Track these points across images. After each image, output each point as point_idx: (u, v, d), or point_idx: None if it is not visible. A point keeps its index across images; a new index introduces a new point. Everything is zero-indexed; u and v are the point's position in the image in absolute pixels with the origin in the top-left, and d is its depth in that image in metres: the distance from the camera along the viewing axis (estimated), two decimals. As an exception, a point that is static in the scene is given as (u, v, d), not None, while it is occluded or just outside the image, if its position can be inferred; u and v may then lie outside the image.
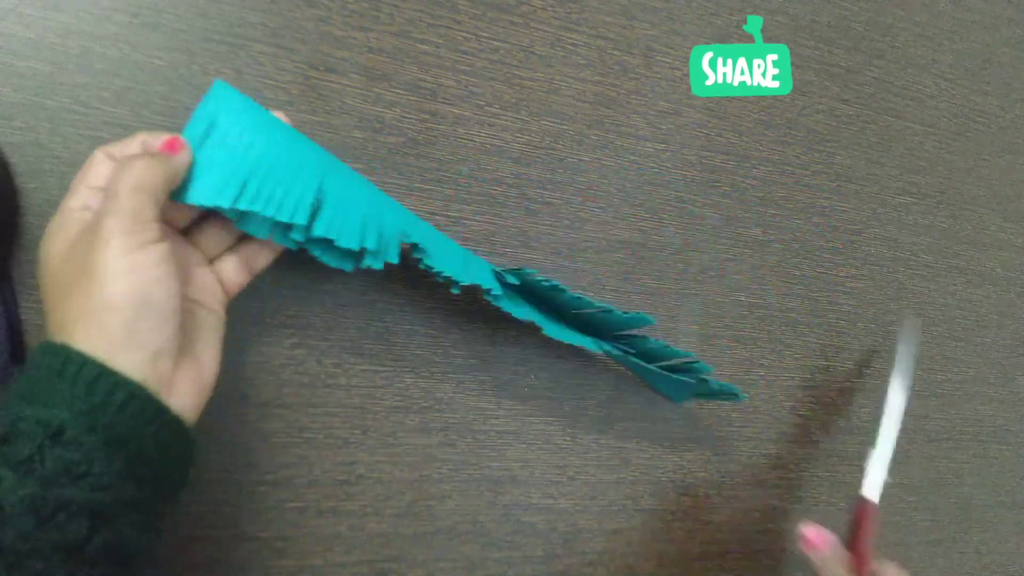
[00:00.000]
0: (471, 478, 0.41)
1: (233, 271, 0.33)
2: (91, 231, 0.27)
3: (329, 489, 0.38)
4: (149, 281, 0.26)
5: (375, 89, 0.39)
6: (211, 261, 0.33)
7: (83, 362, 0.25)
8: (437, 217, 0.40)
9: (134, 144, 0.31)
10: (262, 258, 0.34)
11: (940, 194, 0.55)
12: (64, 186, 0.34)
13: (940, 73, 0.55)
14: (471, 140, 0.41)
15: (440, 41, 0.40)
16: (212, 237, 0.33)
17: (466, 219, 0.41)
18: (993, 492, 0.57)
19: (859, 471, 0.52)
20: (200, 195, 0.30)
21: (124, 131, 0.35)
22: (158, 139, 0.29)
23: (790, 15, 0.49)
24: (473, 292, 0.40)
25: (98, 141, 0.34)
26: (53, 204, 0.33)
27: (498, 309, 0.37)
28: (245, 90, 0.32)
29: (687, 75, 0.46)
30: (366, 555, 0.39)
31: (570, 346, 0.39)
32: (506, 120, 0.42)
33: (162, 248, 0.27)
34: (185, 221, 0.32)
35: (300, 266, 0.37)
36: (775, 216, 0.49)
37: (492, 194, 0.41)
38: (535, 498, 0.43)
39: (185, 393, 0.28)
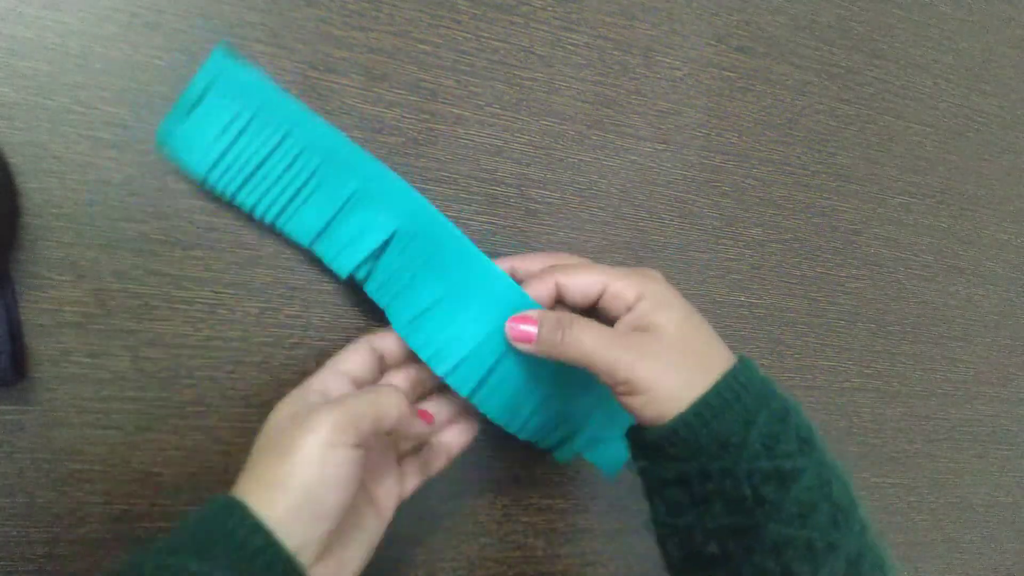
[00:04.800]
0: (471, 478, 0.41)
1: (412, 472, 0.35)
2: (310, 412, 0.28)
3: (329, 489, 0.38)
4: (331, 478, 0.28)
5: (375, 89, 0.39)
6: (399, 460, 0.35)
7: (253, 528, 0.26)
8: (437, 217, 0.40)
9: (399, 347, 0.35)
10: (440, 460, 0.36)
11: (940, 194, 0.55)
12: (65, 186, 0.34)
13: (940, 73, 0.55)
14: (471, 140, 0.41)
15: (440, 41, 0.40)
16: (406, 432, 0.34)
17: (466, 219, 0.41)
18: (993, 492, 0.57)
19: (859, 471, 0.52)
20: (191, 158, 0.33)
21: (124, 131, 0.35)
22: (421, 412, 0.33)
23: (790, 15, 0.49)
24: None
25: (98, 141, 0.34)
26: (53, 204, 0.34)
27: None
28: (245, 90, 0.33)
29: (687, 75, 0.46)
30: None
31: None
32: (506, 120, 0.42)
33: (356, 454, 0.28)
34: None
35: (300, 266, 0.37)
36: (775, 216, 0.49)
37: (492, 194, 0.41)
38: (535, 498, 0.43)
39: (324, 570, 0.29)
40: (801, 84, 0.50)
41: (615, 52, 0.44)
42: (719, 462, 0.28)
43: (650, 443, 0.30)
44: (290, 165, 0.34)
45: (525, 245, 0.42)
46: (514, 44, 0.42)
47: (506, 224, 0.42)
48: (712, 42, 0.47)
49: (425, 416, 0.34)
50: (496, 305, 0.33)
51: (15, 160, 0.33)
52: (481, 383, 0.34)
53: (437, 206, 0.40)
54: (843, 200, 0.51)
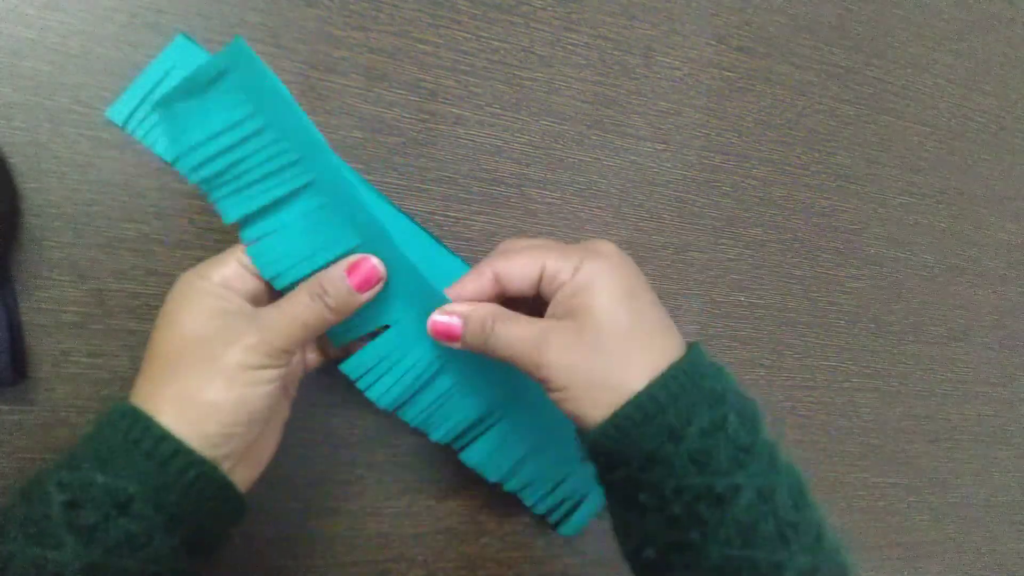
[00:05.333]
0: (471, 477, 0.41)
1: (313, 352, 0.33)
2: (234, 330, 0.27)
3: (329, 489, 0.38)
4: (262, 395, 0.27)
5: (375, 89, 0.39)
6: None
7: (160, 436, 0.25)
8: (436, 217, 0.40)
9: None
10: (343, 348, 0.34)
11: (940, 194, 0.55)
12: (65, 186, 0.34)
13: (940, 73, 0.55)
14: (471, 140, 0.41)
15: (440, 41, 0.40)
16: None
17: (466, 219, 0.41)
18: (993, 492, 0.57)
19: (859, 471, 0.52)
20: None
21: (124, 131, 0.35)
22: (353, 266, 0.29)
23: (790, 15, 0.49)
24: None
25: (98, 141, 0.34)
26: (53, 204, 0.34)
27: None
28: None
29: (687, 75, 0.46)
30: (366, 555, 0.39)
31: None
32: (506, 120, 0.42)
33: (284, 370, 0.27)
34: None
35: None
36: (775, 216, 0.49)
37: (492, 194, 0.41)
38: (535, 498, 0.43)
39: (244, 468, 0.28)
40: (801, 84, 0.50)
41: (615, 52, 0.44)
42: (647, 475, 0.26)
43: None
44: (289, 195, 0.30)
45: (525, 245, 0.42)
46: (514, 44, 0.42)
47: (506, 224, 0.42)
48: (712, 42, 0.47)
49: (368, 279, 0.29)
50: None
51: (15, 160, 0.33)
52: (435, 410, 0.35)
53: (437, 206, 0.40)
54: (843, 200, 0.51)
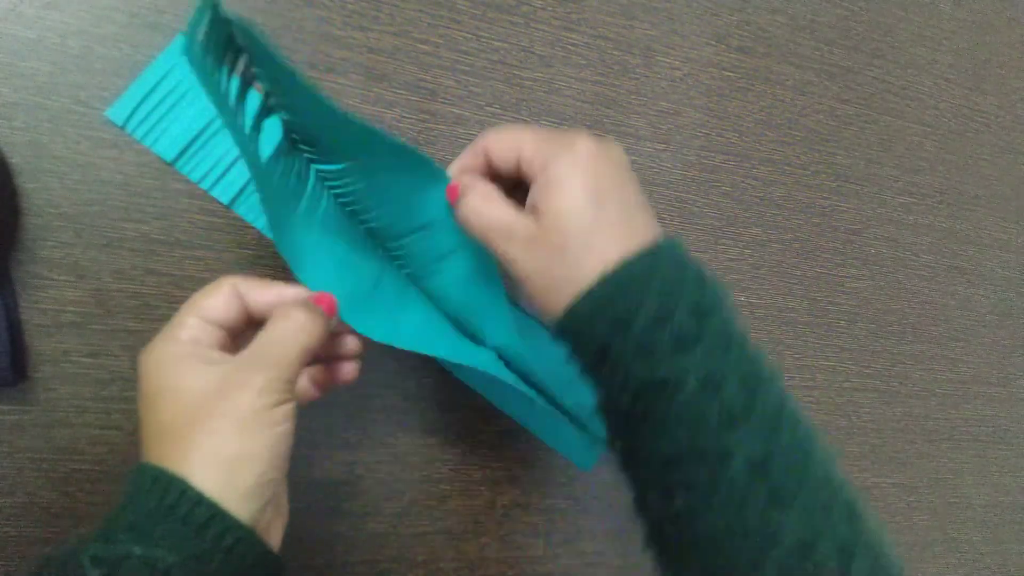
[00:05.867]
0: (471, 478, 0.41)
1: (307, 386, 0.32)
2: (233, 379, 0.26)
3: (329, 489, 0.38)
4: (286, 433, 0.26)
5: (375, 89, 0.39)
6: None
7: (197, 501, 0.24)
8: (437, 217, 0.40)
9: (269, 292, 0.29)
10: (341, 374, 0.33)
11: (940, 194, 0.55)
12: (65, 186, 0.34)
13: (940, 73, 0.55)
14: (471, 140, 0.41)
15: (440, 41, 0.40)
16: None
17: (466, 219, 0.41)
18: (993, 492, 0.57)
19: (859, 471, 0.52)
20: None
21: (124, 131, 0.35)
22: (308, 297, 0.29)
23: (790, 15, 0.49)
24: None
25: (98, 141, 0.34)
26: (53, 204, 0.34)
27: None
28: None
29: (687, 75, 0.46)
30: (366, 555, 0.39)
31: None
32: (506, 120, 0.42)
33: (292, 407, 0.27)
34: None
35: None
36: (775, 216, 0.49)
37: (492, 194, 0.41)
38: (535, 498, 0.43)
39: (277, 528, 0.28)
40: (801, 84, 0.50)
41: (615, 52, 0.44)
42: (601, 368, 0.26)
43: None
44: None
45: (525, 245, 0.42)
46: (514, 44, 0.42)
47: (506, 224, 0.42)
48: (712, 42, 0.47)
49: (328, 306, 0.29)
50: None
51: (15, 160, 0.33)
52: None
53: (437, 206, 0.40)
54: (843, 200, 0.51)
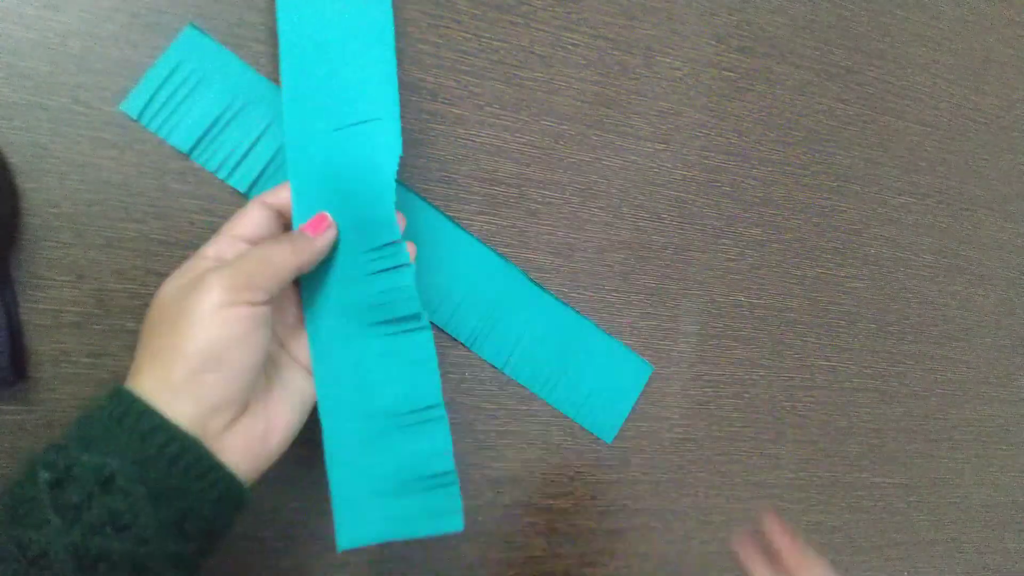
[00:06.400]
0: (471, 478, 0.41)
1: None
2: (206, 279, 0.27)
3: (328, 488, 0.38)
4: (231, 339, 0.26)
5: (375, 89, 0.39)
6: None
7: (142, 411, 0.25)
8: (437, 217, 0.40)
9: (285, 191, 0.32)
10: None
11: (940, 194, 0.55)
12: (65, 186, 0.34)
13: (940, 73, 0.55)
14: (471, 140, 0.41)
15: (440, 41, 0.40)
16: None
17: (466, 219, 0.41)
18: (993, 492, 0.57)
19: (859, 471, 0.52)
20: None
21: (123, 131, 0.35)
22: (302, 226, 0.31)
23: (790, 15, 0.49)
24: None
25: (98, 141, 0.34)
26: (53, 204, 0.34)
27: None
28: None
29: (687, 75, 0.46)
30: (367, 555, 0.39)
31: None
32: (506, 120, 0.42)
33: (259, 312, 0.27)
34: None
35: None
36: (775, 216, 0.49)
37: (492, 194, 0.41)
38: (535, 498, 0.43)
39: (242, 450, 0.28)
40: (801, 84, 0.50)
41: (615, 52, 0.44)
42: None
43: None
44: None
45: (525, 245, 0.42)
46: (514, 44, 0.42)
47: (506, 224, 0.42)
48: (712, 42, 0.47)
49: (318, 226, 0.31)
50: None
51: (15, 160, 0.33)
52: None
53: (437, 206, 0.40)
54: (843, 200, 0.51)
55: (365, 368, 0.33)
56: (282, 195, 0.32)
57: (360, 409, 0.33)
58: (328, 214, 0.32)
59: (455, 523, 0.33)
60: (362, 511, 0.32)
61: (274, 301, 0.28)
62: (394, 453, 0.33)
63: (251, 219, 0.31)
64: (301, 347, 0.33)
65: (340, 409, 0.32)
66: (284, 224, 0.33)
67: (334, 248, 0.33)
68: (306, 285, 0.33)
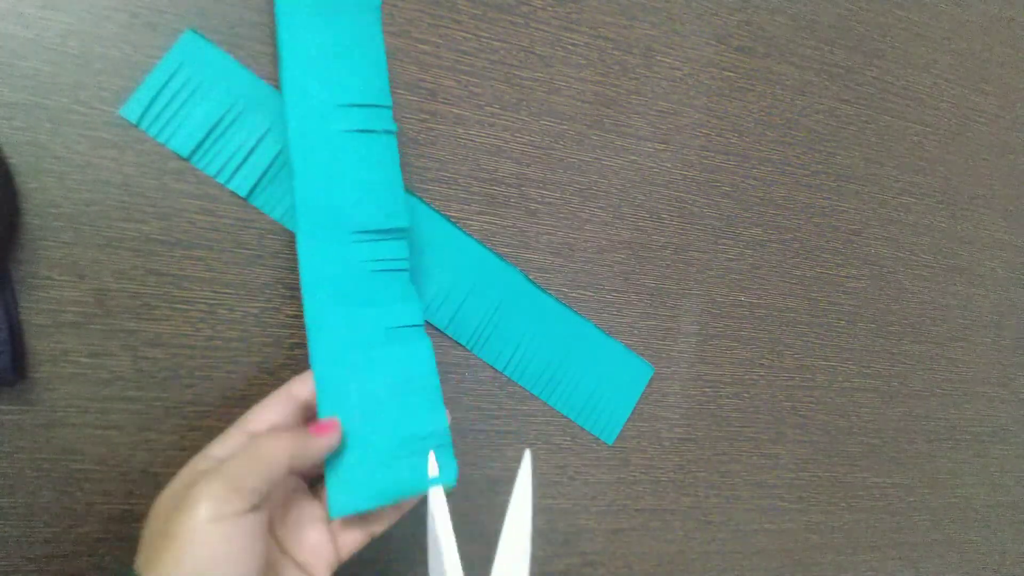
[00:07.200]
0: (471, 478, 0.41)
1: (350, 531, 0.32)
2: (192, 486, 0.26)
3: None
4: (222, 558, 0.25)
5: (375, 89, 0.39)
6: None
7: None
8: (437, 217, 0.40)
9: (307, 382, 0.31)
10: (383, 520, 0.33)
11: (940, 194, 0.55)
12: (65, 186, 0.34)
13: (940, 73, 0.55)
14: (471, 140, 0.41)
15: (440, 41, 0.40)
16: None
17: (466, 219, 0.41)
18: (993, 492, 0.57)
19: (859, 471, 0.52)
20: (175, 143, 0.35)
21: (123, 131, 0.35)
22: (310, 426, 0.30)
23: (790, 15, 0.49)
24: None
25: (98, 141, 0.34)
26: (53, 204, 0.34)
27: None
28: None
29: (687, 75, 0.46)
30: (366, 555, 0.39)
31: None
32: (506, 120, 0.42)
33: (251, 522, 0.26)
34: (314, 474, 0.33)
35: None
36: (775, 216, 0.49)
37: (492, 194, 0.41)
38: (535, 498, 0.43)
39: None
40: (801, 84, 0.50)
41: (615, 52, 0.44)
42: None
43: None
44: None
45: (525, 245, 0.42)
46: (514, 44, 0.42)
47: (506, 224, 0.42)
48: (712, 42, 0.47)
49: (323, 429, 0.30)
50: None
51: (15, 160, 0.33)
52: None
53: (437, 206, 0.40)
54: (843, 200, 0.51)
55: (361, 346, 0.32)
56: (310, 385, 0.31)
57: (355, 384, 0.32)
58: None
59: (448, 477, 0.33)
60: (353, 478, 0.31)
61: (269, 500, 0.28)
62: (387, 419, 0.32)
63: (270, 414, 0.30)
64: (302, 548, 0.31)
65: (334, 384, 0.31)
66: (308, 418, 0.31)
67: (335, 247, 0.33)
68: (306, 278, 0.33)
